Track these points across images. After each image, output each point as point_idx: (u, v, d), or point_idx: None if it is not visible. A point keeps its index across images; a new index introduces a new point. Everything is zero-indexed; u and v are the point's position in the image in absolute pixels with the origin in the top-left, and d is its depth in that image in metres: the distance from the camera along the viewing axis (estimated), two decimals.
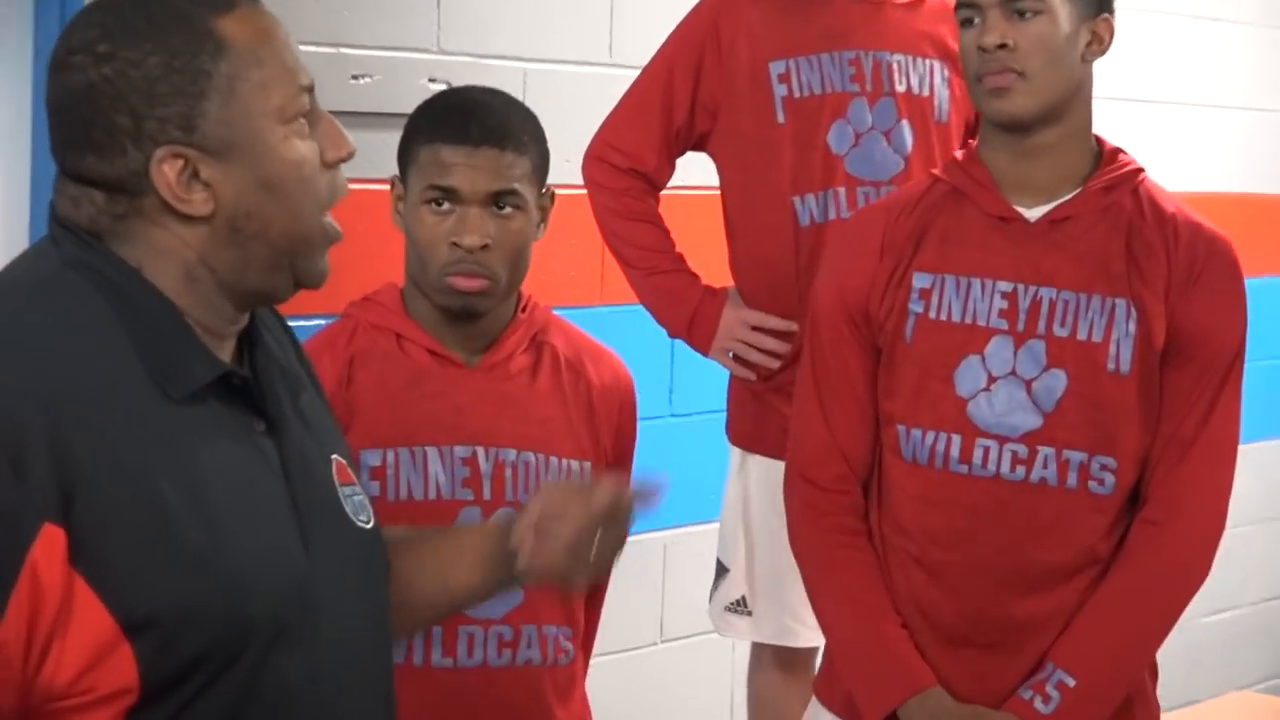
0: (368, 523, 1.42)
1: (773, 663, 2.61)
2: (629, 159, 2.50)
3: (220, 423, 1.28)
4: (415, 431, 1.85)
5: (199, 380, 1.24)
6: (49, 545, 1.17)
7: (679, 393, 2.90)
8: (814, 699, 2.20)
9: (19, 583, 1.17)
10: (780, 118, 2.46)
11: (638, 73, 2.50)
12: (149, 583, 1.21)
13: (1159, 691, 2.17)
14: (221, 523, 1.25)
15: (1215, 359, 2.06)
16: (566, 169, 2.48)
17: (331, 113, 1.41)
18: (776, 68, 2.47)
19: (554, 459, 1.98)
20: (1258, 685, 4.15)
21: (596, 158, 2.52)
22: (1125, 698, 2.05)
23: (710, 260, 2.53)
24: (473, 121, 1.90)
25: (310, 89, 1.29)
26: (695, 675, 3.06)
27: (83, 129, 1.27)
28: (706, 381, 2.62)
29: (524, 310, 1.96)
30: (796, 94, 2.48)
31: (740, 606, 2.62)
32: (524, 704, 1.93)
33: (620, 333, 2.48)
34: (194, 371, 1.25)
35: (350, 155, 1.32)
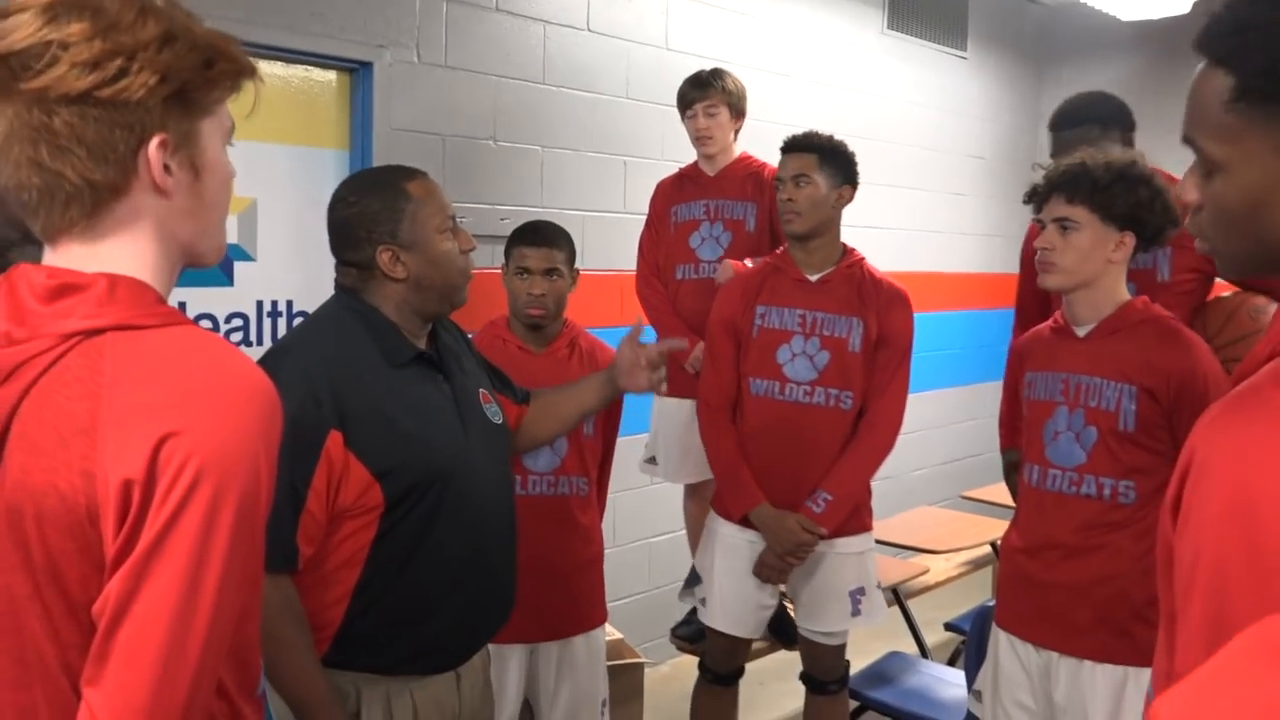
0: (498, 420, 1.95)
1: (687, 493, 3.54)
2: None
3: (421, 377, 1.79)
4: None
5: (406, 356, 1.77)
6: (335, 440, 1.64)
7: None
8: (711, 509, 2.97)
9: (321, 459, 1.62)
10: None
11: (636, 216, 3.56)
12: (386, 454, 1.67)
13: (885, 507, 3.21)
14: (421, 422, 1.73)
15: (898, 346, 2.78)
16: (603, 260, 3.85)
17: (488, 236, 2.71)
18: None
19: None
20: (937, 504, 5.38)
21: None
22: (855, 504, 2.81)
23: None
24: (538, 235, 2.63)
25: (454, 216, 1.82)
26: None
27: (345, 237, 1.79)
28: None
29: (566, 327, 2.71)
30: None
31: (652, 463, 3.45)
32: (561, 513, 2.60)
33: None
34: (403, 353, 1.77)
35: (474, 248, 1.85)
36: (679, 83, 3.48)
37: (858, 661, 3.38)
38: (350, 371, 1.69)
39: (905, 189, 5.48)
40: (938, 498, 5.52)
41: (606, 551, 3.89)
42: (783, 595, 2.92)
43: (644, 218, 3.47)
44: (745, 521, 2.80)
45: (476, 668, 1.93)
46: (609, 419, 2.75)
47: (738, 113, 3.33)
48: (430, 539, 1.73)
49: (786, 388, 2.74)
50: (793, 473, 2.76)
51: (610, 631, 3.55)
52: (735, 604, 2.88)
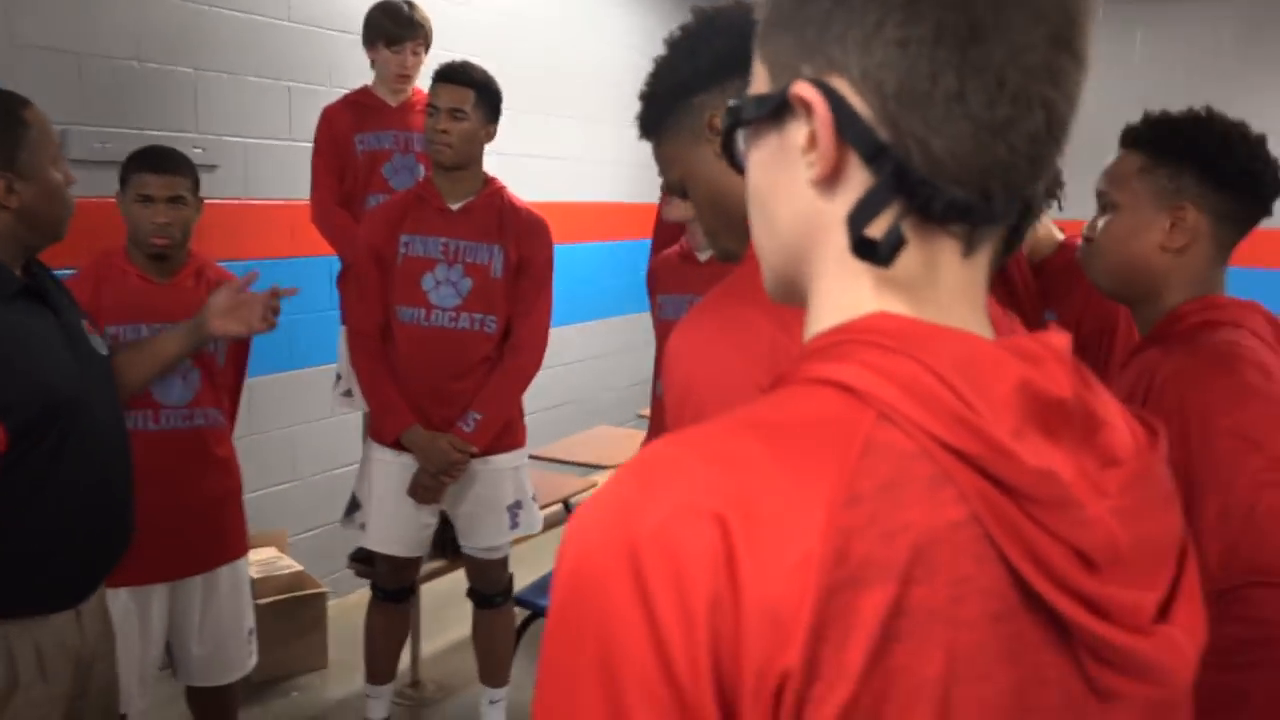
0: (105, 351, 1.99)
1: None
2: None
3: (28, 310, 1.77)
4: (132, 316, 2.49)
5: (12, 288, 1.75)
6: None
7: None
8: (368, 438, 3.08)
9: None
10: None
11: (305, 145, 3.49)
12: (3, 391, 1.67)
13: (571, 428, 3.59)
14: (36, 355, 1.72)
15: (538, 272, 2.93)
16: (247, 189, 3.74)
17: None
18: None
19: None
20: (620, 425, 5.59)
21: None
22: (506, 422, 2.96)
23: None
24: (162, 161, 2.53)
25: (60, 146, 1.83)
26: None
27: None
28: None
29: (191, 257, 2.65)
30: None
31: (349, 395, 3.46)
32: (197, 446, 2.57)
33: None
34: (9, 285, 1.75)
35: (75, 182, 1.86)
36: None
37: (528, 574, 3.52)
38: None
39: (588, 120, 5.55)
40: (622, 419, 5.71)
41: (291, 485, 4.00)
42: (444, 512, 3.05)
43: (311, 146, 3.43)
44: (399, 444, 2.89)
45: (94, 605, 1.90)
46: (239, 347, 2.73)
47: (429, 47, 3.41)
48: (56, 474, 1.70)
49: (433, 314, 2.84)
50: (443, 395, 2.87)
51: (290, 563, 3.64)
52: (394, 526, 2.97)
